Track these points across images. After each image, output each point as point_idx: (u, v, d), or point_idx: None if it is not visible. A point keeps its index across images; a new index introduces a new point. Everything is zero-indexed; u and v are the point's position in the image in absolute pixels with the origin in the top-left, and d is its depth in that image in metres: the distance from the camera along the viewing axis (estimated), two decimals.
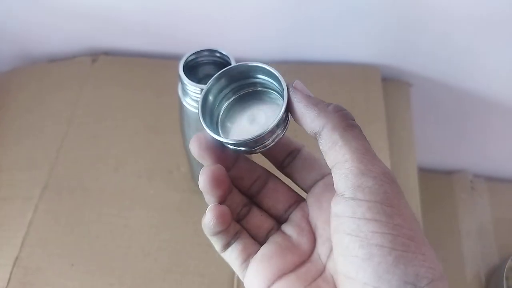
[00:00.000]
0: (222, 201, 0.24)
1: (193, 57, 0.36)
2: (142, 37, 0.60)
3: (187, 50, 0.36)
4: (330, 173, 0.25)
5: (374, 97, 0.56)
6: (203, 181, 0.23)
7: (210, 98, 0.25)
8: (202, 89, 0.33)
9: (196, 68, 0.37)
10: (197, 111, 0.36)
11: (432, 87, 0.61)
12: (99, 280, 0.44)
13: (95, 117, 0.56)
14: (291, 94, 0.23)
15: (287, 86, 0.23)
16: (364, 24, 0.54)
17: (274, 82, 0.24)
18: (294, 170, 0.26)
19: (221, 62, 0.36)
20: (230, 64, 0.35)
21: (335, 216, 0.21)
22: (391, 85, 0.60)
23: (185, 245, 0.46)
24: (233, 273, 0.45)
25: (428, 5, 0.50)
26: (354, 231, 0.19)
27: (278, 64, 0.60)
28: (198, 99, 0.23)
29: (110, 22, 0.58)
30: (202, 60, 0.37)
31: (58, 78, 0.60)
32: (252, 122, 0.25)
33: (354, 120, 0.22)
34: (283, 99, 0.23)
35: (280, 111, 0.22)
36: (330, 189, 0.24)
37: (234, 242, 0.24)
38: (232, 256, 0.24)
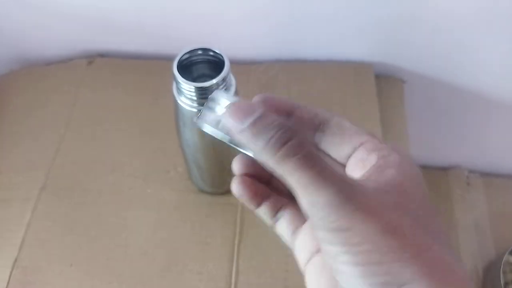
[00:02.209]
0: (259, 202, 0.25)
1: (187, 56, 0.36)
2: (137, 38, 0.60)
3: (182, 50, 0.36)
4: (361, 146, 0.23)
5: (367, 95, 0.57)
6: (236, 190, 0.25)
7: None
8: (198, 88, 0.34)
9: (190, 67, 0.37)
10: (192, 109, 0.36)
11: (426, 84, 0.62)
12: (98, 279, 0.44)
13: (92, 119, 0.56)
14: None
15: None
16: (357, 21, 0.55)
17: None
18: (326, 146, 0.24)
19: (215, 60, 0.37)
20: (224, 62, 0.36)
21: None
22: (385, 82, 0.60)
23: (182, 243, 0.47)
24: (231, 270, 0.45)
25: (420, 2, 0.51)
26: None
27: (271, 62, 0.61)
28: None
29: (105, 24, 0.59)
30: (196, 59, 0.37)
31: (54, 80, 0.61)
32: None
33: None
34: None
35: None
36: (361, 165, 0.23)
37: (283, 213, 0.25)
38: (283, 225, 0.25)
